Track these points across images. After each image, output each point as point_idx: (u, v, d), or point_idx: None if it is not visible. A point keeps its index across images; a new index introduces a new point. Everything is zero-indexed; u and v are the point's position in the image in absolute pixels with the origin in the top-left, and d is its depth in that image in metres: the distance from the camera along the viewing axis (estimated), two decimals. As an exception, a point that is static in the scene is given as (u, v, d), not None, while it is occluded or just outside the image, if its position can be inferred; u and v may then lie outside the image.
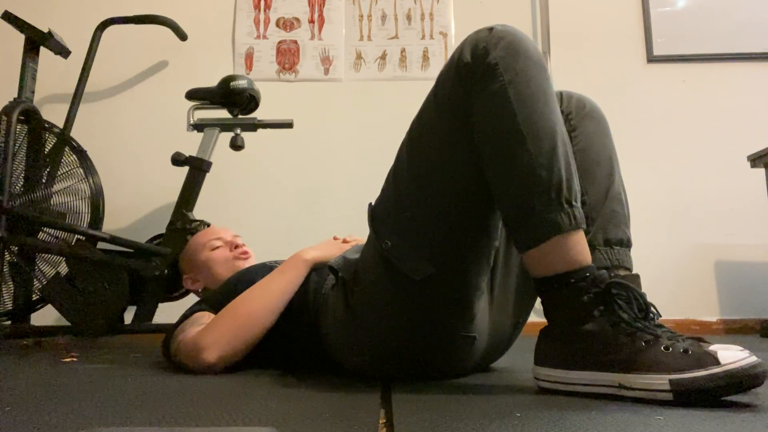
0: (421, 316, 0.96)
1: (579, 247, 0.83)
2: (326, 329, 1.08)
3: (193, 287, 1.46)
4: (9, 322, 2.00)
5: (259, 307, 1.12)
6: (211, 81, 2.08)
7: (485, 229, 0.93)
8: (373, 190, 1.06)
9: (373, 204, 1.01)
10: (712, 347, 0.78)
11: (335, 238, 1.30)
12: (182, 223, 1.95)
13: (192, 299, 1.56)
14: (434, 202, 0.91)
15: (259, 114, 2.10)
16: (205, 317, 1.18)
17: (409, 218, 0.93)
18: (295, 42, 2.68)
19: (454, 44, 2.66)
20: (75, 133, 2.18)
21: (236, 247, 1.44)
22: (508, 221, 0.87)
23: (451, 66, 0.89)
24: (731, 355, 0.74)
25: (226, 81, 2.01)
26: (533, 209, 0.82)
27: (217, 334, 1.10)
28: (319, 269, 1.19)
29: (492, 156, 0.85)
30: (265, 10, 2.71)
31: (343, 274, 1.06)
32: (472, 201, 0.90)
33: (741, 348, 0.75)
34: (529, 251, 0.84)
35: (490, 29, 0.87)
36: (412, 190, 0.93)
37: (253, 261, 1.44)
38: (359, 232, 1.30)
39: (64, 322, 1.93)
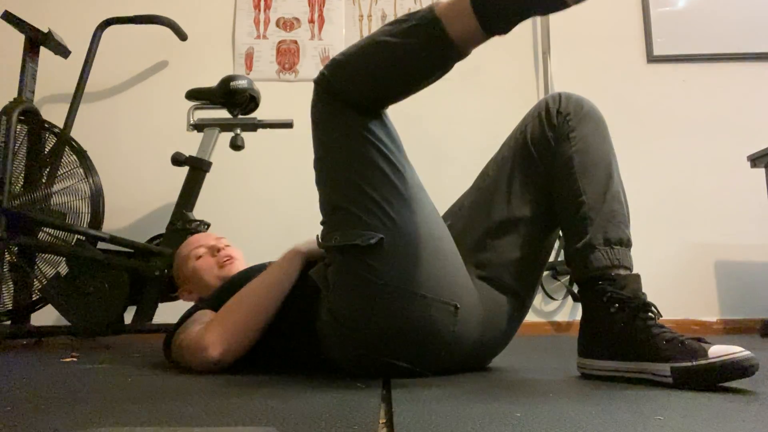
0: (388, 288, 0.99)
1: None
2: (321, 336, 1.09)
3: (190, 298, 1.46)
4: (9, 322, 2.00)
5: (260, 300, 1.14)
6: (211, 81, 2.08)
7: (395, 185, 1.02)
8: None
9: (318, 236, 1.10)
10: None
11: None
12: (182, 223, 1.95)
13: (192, 299, 1.56)
14: (356, 190, 1.02)
15: (259, 114, 2.10)
16: (207, 315, 1.19)
17: (343, 215, 1.03)
18: (295, 42, 2.69)
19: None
20: (75, 133, 2.18)
21: (218, 251, 1.42)
22: None
23: None
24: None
25: (226, 81, 2.01)
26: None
27: (220, 329, 1.11)
28: (305, 280, 1.18)
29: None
30: (265, 10, 2.71)
31: (319, 284, 1.09)
32: (377, 169, 1.02)
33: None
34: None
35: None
36: (336, 196, 1.05)
37: (239, 263, 1.42)
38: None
39: (64, 322, 1.93)
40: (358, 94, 1.03)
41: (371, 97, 1.04)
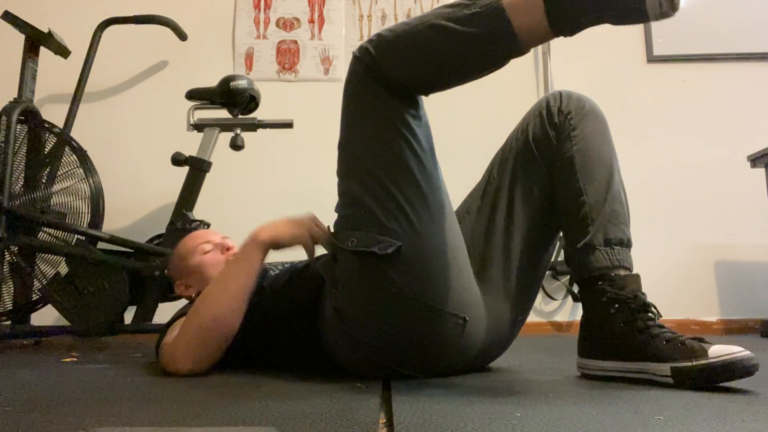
0: (401, 296, 0.97)
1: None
2: (324, 333, 1.09)
3: (187, 293, 1.39)
4: (9, 322, 2.00)
5: (223, 309, 1.07)
6: (211, 81, 2.08)
7: (421, 189, 0.99)
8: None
9: (331, 227, 1.08)
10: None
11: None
12: (182, 223, 1.95)
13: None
14: (379, 187, 0.99)
15: (259, 114, 2.10)
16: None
17: (362, 213, 1.00)
18: (295, 42, 2.68)
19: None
20: (75, 133, 2.18)
21: (228, 249, 1.39)
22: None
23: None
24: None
25: (226, 81, 2.01)
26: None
27: (185, 342, 1.07)
28: (305, 274, 1.17)
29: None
30: (265, 10, 2.71)
31: (326, 279, 1.06)
32: (406, 167, 0.99)
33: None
34: None
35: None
36: (357, 190, 1.01)
37: None
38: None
39: (64, 322, 1.93)
40: (403, 77, 0.98)
41: (416, 83, 0.99)
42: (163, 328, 1.21)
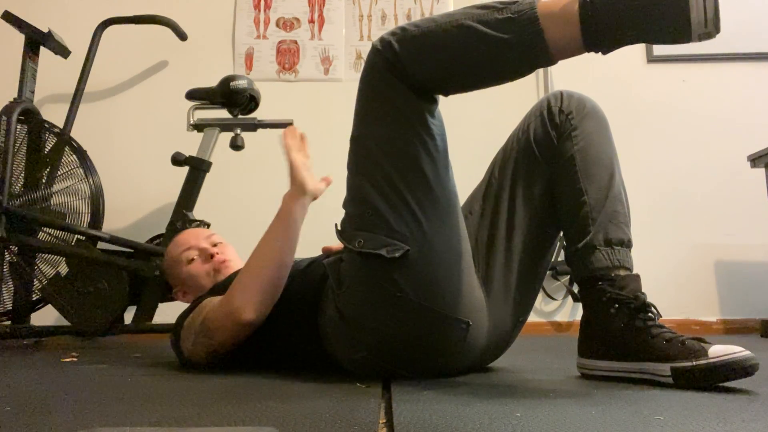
0: (406, 300, 0.96)
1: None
2: (324, 333, 1.08)
3: (185, 299, 1.42)
4: (9, 322, 2.00)
5: (277, 266, 1.11)
6: (211, 81, 2.08)
7: (432, 191, 0.98)
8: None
9: (338, 225, 1.06)
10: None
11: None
12: (182, 223, 1.95)
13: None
14: (390, 188, 0.97)
15: (259, 114, 2.10)
16: (217, 299, 1.16)
17: (371, 213, 0.99)
18: (295, 42, 2.68)
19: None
20: (75, 133, 2.18)
21: (212, 256, 1.36)
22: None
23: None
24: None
25: (226, 81, 2.01)
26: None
27: (247, 294, 1.08)
28: (306, 273, 1.17)
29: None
30: (265, 10, 2.71)
31: (331, 279, 1.06)
32: (419, 169, 0.98)
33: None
34: None
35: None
36: (367, 188, 1.00)
37: (234, 263, 1.37)
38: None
39: (64, 322, 1.93)
40: (426, 75, 0.96)
41: (439, 82, 0.97)
42: (183, 315, 1.20)
